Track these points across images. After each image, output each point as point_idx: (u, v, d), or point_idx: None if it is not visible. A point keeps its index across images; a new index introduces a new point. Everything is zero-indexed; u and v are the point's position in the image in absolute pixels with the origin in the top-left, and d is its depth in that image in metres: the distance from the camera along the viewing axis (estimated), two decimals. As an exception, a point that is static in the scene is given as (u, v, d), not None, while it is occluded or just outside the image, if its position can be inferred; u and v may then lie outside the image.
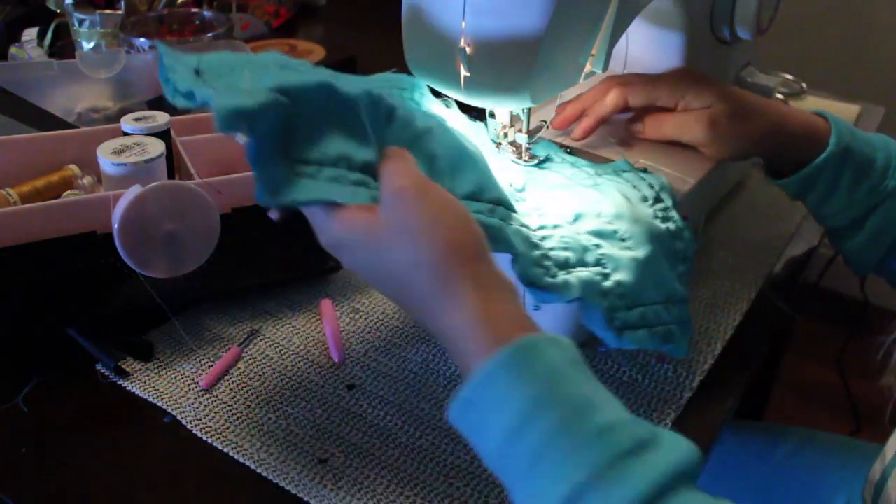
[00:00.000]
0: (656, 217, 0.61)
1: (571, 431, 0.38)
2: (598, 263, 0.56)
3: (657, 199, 0.62)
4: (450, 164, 0.53)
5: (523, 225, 0.55)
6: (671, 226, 0.61)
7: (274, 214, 0.47)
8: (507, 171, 0.64)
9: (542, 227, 0.57)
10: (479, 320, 0.42)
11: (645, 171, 0.65)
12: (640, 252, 0.57)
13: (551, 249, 0.54)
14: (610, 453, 0.37)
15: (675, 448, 0.38)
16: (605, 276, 0.55)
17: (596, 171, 0.65)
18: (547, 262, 0.53)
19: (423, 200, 0.44)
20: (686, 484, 0.37)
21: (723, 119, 0.66)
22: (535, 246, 0.54)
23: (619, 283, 0.55)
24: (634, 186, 0.63)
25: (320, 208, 0.46)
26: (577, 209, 0.59)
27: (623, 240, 0.58)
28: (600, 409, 0.39)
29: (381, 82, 0.65)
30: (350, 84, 0.50)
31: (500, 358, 0.40)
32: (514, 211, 0.56)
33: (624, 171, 0.65)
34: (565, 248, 0.55)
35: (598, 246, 0.57)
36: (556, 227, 0.57)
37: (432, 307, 0.43)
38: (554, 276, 0.53)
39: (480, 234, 0.45)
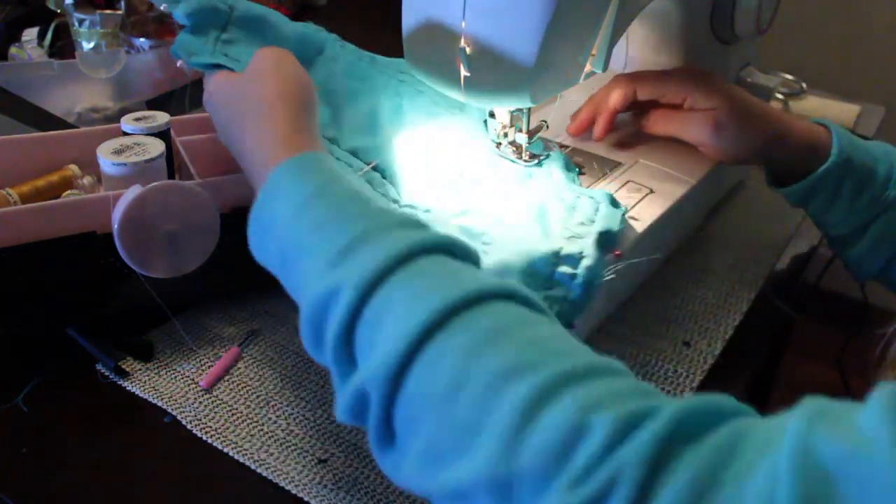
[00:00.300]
0: (563, 236, 0.58)
1: (354, 206, 0.43)
2: None
3: (585, 224, 0.60)
4: (353, 121, 0.64)
5: (388, 196, 0.61)
6: (570, 248, 0.58)
7: (181, 63, 0.61)
8: (469, 162, 0.65)
9: (411, 206, 0.60)
10: (282, 145, 0.48)
11: (624, 212, 0.61)
12: (491, 259, 0.57)
13: None
14: (383, 222, 0.42)
15: (443, 233, 0.42)
16: None
17: (560, 188, 0.63)
18: None
19: (278, 59, 0.53)
20: (447, 256, 0.41)
21: (727, 122, 0.66)
22: None
23: None
24: (574, 207, 0.61)
25: (211, 73, 0.58)
26: (473, 205, 0.61)
27: (485, 243, 0.58)
28: (381, 201, 0.46)
29: (388, 65, 0.71)
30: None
31: (290, 161, 0.46)
32: (392, 184, 0.62)
33: (590, 197, 0.62)
34: None
35: None
36: (427, 211, 0.60)
37: (249, 134, 0.50)
38: None
39: (314, 98, 0.53)
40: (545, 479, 0.31)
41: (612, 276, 0.57)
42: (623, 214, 0.61)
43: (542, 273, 0.57)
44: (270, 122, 0.49)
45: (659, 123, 0.70)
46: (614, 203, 0.62)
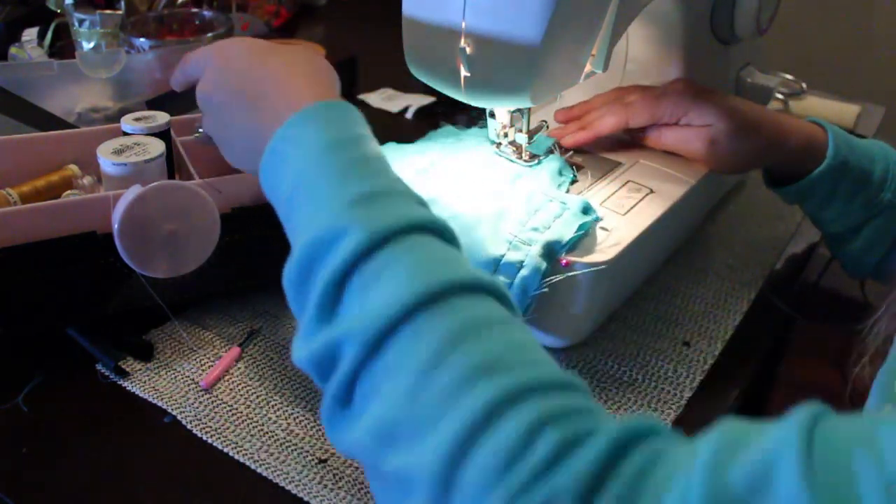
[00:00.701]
0: (509, 241, 0.58)
1: (381, 163, 0.44)
2: None
3: (539, 230, 0.59)
4: None
5: None
6: (512, 256, 0.58)
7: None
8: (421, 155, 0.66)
9: None
10: (313, 92, 0.47)
11: (591, 222, 0.60)
12: None
13: None
14: (406, 189, 0.43)
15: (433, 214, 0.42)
16: None
17: (534, 190, 0.63)
18: None
19: (318, 55, 0.53)
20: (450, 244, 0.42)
21: (722, 138, 0.66)
22: None
23: None
24: (537, 211, 0.61)
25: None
26: (435, 196, 0.61)
27: None
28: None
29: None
30: None
31: (330, 103, 0.45)
32: None
33: (561, 202, 0.61)
34: None
35: None
36: None
37: (274, 81, 0.48)
38: None
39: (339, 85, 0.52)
40: (485, 490, 0.32)
41: (545, 289, 0.57)
42: (587, 225, 0.60)
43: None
44: (303, 78, 0.48)
45: (655, 139, 0.70)
46: (587, 211, 0.61)
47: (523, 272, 0.57)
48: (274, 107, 0.47)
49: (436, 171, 0.64)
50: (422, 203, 0.43)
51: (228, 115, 0.51)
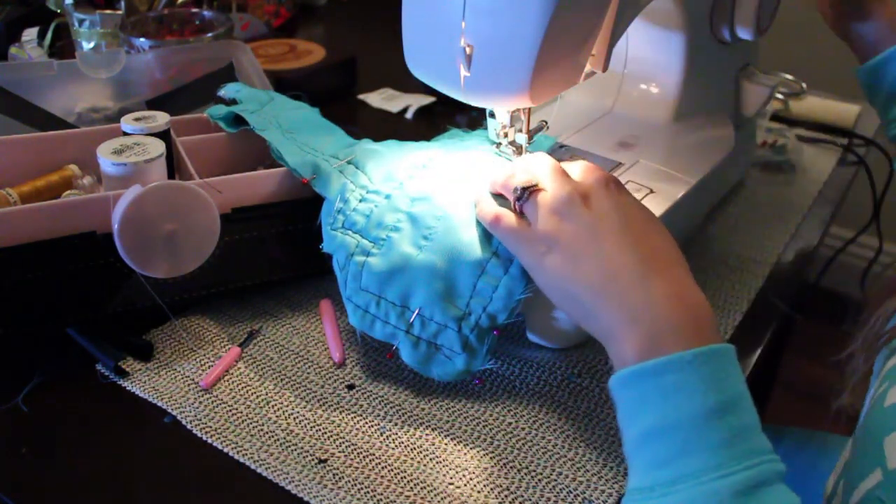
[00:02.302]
0: (498, 243, 0.58)
1: (754, 430, 0.44)
2: (374, 240, 0.60)
3: None
4: (313, 132, 0.70)
5: (356, 182, 0.64)
6: (499, 258, 0.58)
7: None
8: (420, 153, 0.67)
9: (374, 192, 0.63)
10: (692, 313, 0.48)
11: None
12: (422, 255, 0.58)
13: (354, 210, 0.62)
14: (773, 459, 0.43)
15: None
16: (365, 253, 0.59)
17: None
18: (338, 215, 0.62)
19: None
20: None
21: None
22: (345, 200, 0.62)
23: (364, 264, 0.59)
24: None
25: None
26: (429, 193, 0.61)
27: (425, 238, 0.59)
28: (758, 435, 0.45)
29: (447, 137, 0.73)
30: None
31: (701, 353, 0.45)
32: (364, 172, 0.65)
33: None
34: (365, 215, 0.61)
35: (395, 230, 0.60)
36: (388, 196, 0.62)
37: (656, 274, 0.49)
38: (334, 227, 0.61)
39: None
40: None
41: (530, 293, 0.57)
42: None
43: (460, 287, 0.58)
44: (677, 271, 0.50)
45: None
46: None
47: (509, 275, 0.57)
48: (631, 302, 0.48)
49: (433, 168, 0.65)
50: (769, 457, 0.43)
51: (580, 266, 0.50)
